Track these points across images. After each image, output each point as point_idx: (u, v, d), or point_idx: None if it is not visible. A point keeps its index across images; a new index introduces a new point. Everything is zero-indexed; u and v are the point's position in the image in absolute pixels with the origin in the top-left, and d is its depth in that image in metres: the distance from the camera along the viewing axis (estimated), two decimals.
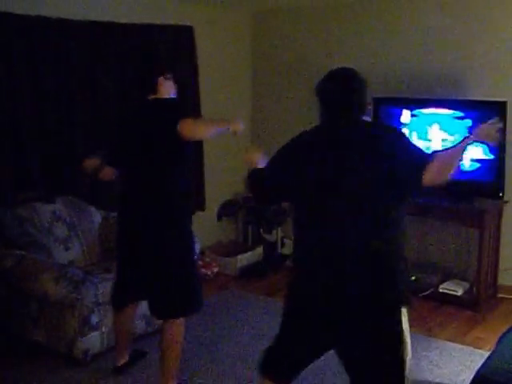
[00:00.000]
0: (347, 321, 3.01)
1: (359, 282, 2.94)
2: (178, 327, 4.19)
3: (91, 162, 4.32)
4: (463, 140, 2.96)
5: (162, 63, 4.31)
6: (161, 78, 4.11)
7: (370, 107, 3.22)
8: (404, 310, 3.11)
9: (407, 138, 3.07)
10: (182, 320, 4.20)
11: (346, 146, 3.04)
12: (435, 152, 3.01)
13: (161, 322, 4.29)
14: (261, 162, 3.41)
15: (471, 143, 2.96)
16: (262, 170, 3.32)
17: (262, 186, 3.37)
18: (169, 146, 3.98)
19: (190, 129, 3.91)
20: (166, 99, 4.14)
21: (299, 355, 3.27)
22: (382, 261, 2.98)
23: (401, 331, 3.10)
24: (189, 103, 5.44)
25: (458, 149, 2.96)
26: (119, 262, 4.33)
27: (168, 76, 4.16)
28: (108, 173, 4.33)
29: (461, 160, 3.05)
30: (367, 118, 3.19)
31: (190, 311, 4.27)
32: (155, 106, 4.11)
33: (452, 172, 2.94)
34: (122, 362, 4.54)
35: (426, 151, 3.05)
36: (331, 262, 3.00)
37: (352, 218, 2.96)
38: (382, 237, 2.97)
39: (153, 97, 4.11)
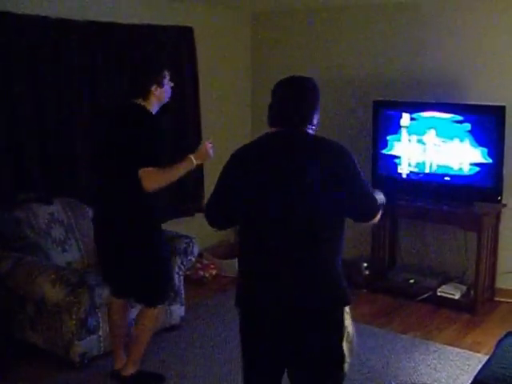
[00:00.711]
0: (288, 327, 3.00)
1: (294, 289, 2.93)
2: (150, 314, 4.34)
3: None
4: None
5: (159, 70, 4.22)
6: (154, 87, 4.11)
7: (316, 121, 3.11)
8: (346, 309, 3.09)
9: (357, 167, 2.98)
10: (153, 311, 4.33)
11: (286, 156, 2.99)
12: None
13: None
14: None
15: None
16: (211, 196, 3.16)
17: (213, 209, 3.18)
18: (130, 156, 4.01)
19: (147, 181, 3.94)
20: (144, 116, 4.09)
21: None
22: (314, 268, 2.94)
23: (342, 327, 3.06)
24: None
25: None
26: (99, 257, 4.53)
27: (163, 83, 4.16)
28: None
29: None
30: (308, 129, 3.08)
31: (155, 303, 4.36)
32: (131, 116, 4.12)
33: None
34: (119, 365, 4.52)
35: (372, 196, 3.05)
36: (268, 271, 2.97)
37: (285, 233, 2.93)
38: (314, 247, 2.93)
39: (138, 102, 4.11)
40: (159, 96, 4.16)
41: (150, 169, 3.92)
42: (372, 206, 3.03)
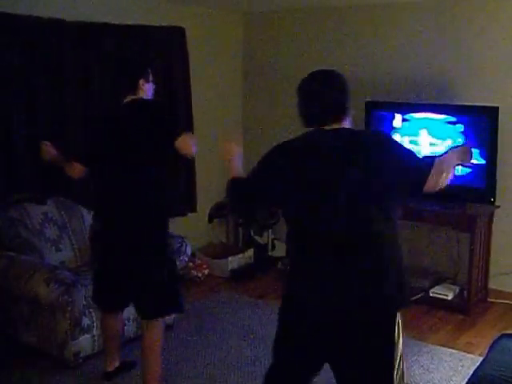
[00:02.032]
0: (340, 330, 2.96)
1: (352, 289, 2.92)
2: (157, 328, 4.18)
3: (49, 150, 4.34)
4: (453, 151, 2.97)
5: (143, 65, 4.24)
6: (141, 81, 4.11)
7: (353, 112, 3.10)
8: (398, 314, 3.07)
9: (399, 144, 3.04)
10: (160, 322, 4.20)
11: (331, 154, 2.94)
12: (431, 158, 2.94)
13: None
14: (237, 159, 3.30)
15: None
16: (246, 180, 3.14)
17: (248, 197, 3.19)
18: (154, 149, 4.00)
19: (187, 147, 3.95)
20: (151, 101, 4.17)
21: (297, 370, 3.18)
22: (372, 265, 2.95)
23: (393, 336, 3.05)
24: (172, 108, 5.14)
25: (452, 158, 2.94)
26: (98, 265, 4.31)
27: (148, 79, 4.16)
28: (77, 170, 4.26)
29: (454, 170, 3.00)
30: (347, 124, 3.07)
31: (168, 311, 4.34)
32: (140, 107, 4.10)
33: (447, 181, 2.93)
34: (111, 367, 4.51)
35: (423, 157, 3.03)
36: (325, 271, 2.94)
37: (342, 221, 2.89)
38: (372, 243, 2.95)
39: (132, 97, 4.09)
40: (146, 91, 4.14)
41: (182, 136, 3.94)
42: (420, 166, 2.92)
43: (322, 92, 3.03)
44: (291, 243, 3.08)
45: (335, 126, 3.00)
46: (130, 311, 4.61)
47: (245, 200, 3.22)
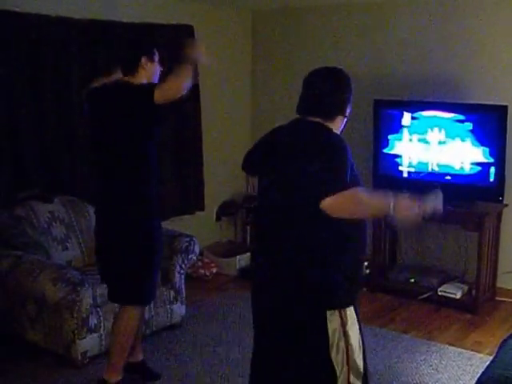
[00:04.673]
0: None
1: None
2: (124, 316, 4.17)
3: None
4: (386, 200, 2.86)
5: (148, 44, 4.14)
6: (144, 58, 3.98)
7: (346, 114, 3.12)
8: (332, 312, 2.97)
9: (334, 154, 2.89)
10: (131, 312, 4.17)
11: (279, 149, 3.08)
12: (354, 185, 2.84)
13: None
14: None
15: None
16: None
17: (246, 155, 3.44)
18: (134, 132, 3.92)
19: (166, 90, 3.79)
20: (134, 85, 3.94)
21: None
22: (294, 269, 2.96)
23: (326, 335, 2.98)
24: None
25: (379, 203, 2.88)
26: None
27: (154, 58, 4.04)
28: None
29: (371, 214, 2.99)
30: (333, 122, 3.05)
31: (133, 302, 4.21)
32: (120, 90, 3.98)
33: (360, 215, 2.88)
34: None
35: (340, 180, 2.83)
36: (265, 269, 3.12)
37: (274, 227, 3.01)
38: (299, 246, 2.95)
39: (125, 78, 3.99)
40: (149, 71, 4.01)
41: (157, 87, 3.79)
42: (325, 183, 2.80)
43: (313, 83, 3.11)
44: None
45: (312, 119, 3.04)
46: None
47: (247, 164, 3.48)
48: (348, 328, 2.98)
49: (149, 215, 4.11)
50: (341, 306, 2.98)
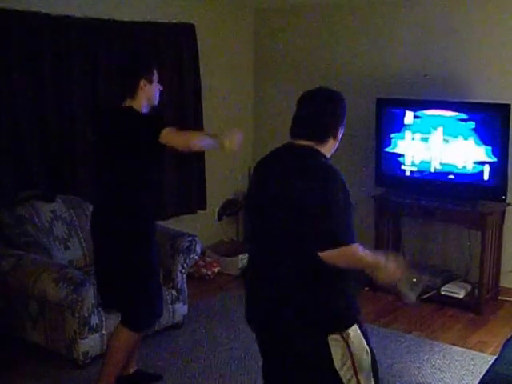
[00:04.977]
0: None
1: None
2: (122, 334, 4.09)
3: None
4: (377, 260, 2.88)
5: (147, 65, 4.08)
6: (143, 81, 3.94)
7: (340, 133, 3.02)
8: (334, 337, 2.88)
9: (331, 194, 2.79)
10: (128, 333, 4.08)
11: (268, 174, 3.00)
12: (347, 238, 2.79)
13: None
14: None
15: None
16: None
17: None
18: (136, 157, 3.90)
19: (178, 138, 3.79)
20: (136, 113, 3.94)
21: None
22: (287, 290, 2.91)
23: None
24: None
25: (371, 263, 2.88)
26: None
27: (152, 79, 3.99)
28: None
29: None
30: (323, 147, 2.96)
31: (126, 325, 4.11)
32: (125, 117, 3.97)
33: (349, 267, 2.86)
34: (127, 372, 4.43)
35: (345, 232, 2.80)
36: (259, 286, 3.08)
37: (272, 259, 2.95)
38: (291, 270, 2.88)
39: (127, 104, 3.97)
40: (148, 93, 3.98)
41: (166, 129, 3.74)
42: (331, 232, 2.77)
43: (307, 104, 3.01)
44: None
45: (303, 143, 2.95)
46: None
47: None
48: (351, 345, 2.89)
49: (146, 237, 4.08)
50: (341, 329, 2.89)
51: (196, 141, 3.94)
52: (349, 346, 2.87)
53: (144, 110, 4.00)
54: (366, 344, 2.95)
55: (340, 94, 3.04)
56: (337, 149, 3.04)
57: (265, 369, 3.20)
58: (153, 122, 3.87)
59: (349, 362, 2.88)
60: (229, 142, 3.90)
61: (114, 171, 3.99)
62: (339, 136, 3.02)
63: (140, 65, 4.09)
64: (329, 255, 2.72)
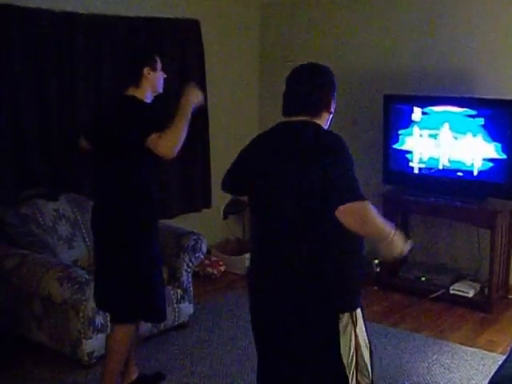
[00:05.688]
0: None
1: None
2: (118, 331, 4.03)
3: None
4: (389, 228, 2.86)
5: (150, 53, 4.06)
6: (146, 69, 3.92)
7: (333, 106, 3.05)
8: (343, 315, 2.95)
9: (346, 159, 2.85)
10: (124, 328, 4.03)
11: (283, 150, 2.95)
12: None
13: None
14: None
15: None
16: (227, 171, 3.35)
17: (227, 174, 3.38)
18: (128, 151, 3.85)
19: (162, 146, 3.72)
20: (138, 104, 3.90)
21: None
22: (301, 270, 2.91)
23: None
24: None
25: (382, 226, 2.87)
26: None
27: (156, 67, 3.97)
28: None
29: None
30: (319, 120, 2.99)
31: (126, 320, 4.06)
32: (124, 106, 3.92)
33: (362, 229, 2.83)
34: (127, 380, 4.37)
35: (357, 187, 2.80)
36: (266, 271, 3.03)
37: (282, 232, 2.94)
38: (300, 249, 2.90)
39: (130, 93, 3.92)
40: (152, 81, 3.95)
41: (154, 135, 3.68)
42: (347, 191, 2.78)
43: (297, 80, 3.06)
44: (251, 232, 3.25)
45: (299, 119, 2.98)
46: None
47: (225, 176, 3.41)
48: (358, 329, 2.97)
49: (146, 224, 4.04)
50: (352, 308, 2.97)
51: (175, 147, 3.83)
52: (354, 327, 2.95)
53: (148, 99, 3.96)
54: (365, 334, 3.04)
55: (327, 67, 3.12)
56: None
57: (261, 369, 3.20)
58: (145, 124, 3.78)
59: (352, 345, 2.95)
60: (193, 96, 3.94)
61: (108, 170, 3.97)
62: (332, 109, 3.05)
63: (143, 53, 4.09)
64: (348, 208, 2.71)
